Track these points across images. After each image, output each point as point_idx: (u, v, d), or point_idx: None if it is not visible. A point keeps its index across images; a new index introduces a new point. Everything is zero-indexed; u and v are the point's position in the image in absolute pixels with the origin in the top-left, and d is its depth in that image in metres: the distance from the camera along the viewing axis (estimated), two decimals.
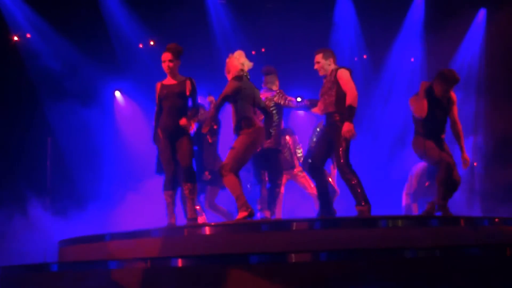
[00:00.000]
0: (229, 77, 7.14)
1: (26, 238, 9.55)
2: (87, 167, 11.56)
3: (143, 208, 9.93)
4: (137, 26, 12.30)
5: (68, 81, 11.90)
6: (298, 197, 9.62)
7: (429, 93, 7.14)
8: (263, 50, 12.99)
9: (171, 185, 7.08)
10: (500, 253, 5.89)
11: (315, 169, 7.12)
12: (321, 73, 7.14)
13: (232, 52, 7.26)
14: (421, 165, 8.76)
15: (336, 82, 6.93)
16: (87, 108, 12.07)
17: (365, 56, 13.23)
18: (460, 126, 7.30)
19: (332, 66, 7.07)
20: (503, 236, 6.52)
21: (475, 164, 11.76)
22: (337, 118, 6.90)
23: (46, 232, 9.24)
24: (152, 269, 5.93)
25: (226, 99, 7.01)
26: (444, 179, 6.95)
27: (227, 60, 7.23)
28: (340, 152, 6.84)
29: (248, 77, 7.16)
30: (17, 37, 11.71)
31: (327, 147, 7.05)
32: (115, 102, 12.75)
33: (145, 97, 11.92)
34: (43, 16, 11.67)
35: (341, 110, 6.87)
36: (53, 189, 10.32)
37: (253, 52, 12.90)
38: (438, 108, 7.15)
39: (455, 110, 7.28)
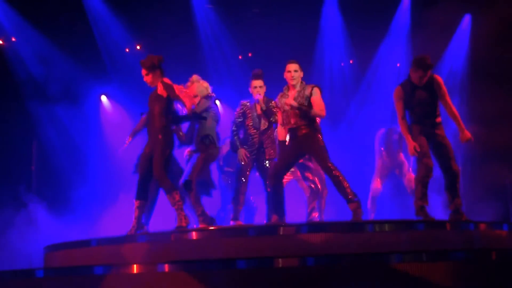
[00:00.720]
0: (198, 99, 7.79)
1: (11, 243, 9.46)
2: (72, 171, 11.50)
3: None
4: (124, 30, 12.27)
5: (54, 85, 11.85)
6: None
7: (408, 83, 7.25)
8: (250, 54, 13.01)
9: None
10: (485, 257, 5.92)
11: (278, 179, 7.22)
12: (294, 83, 7.20)
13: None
14: None
15: (309, 97, 7.11)
16: (73, 112, 12.05)
17: (351, 61, 13.27)
18: (453, 108, 7.30)
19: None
20: (488, 241, 6.55)
21: None
22: (308, 129, 7.12)
23: (31, 237, 9.13)
24: (139, 274, 5.91)
25: (198, 116, 7.55)
26: (422, 177, 7.04)
27: (189, 84, 7.88)
28: (324, 156, 7.03)
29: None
30: (2, 40, 11.64)
31: (294, 160, 7.39)
32: (101, 106, 12.67)
33: (131, 102, 11.91)
34: (28, 20, 11.60)
35: (311, 121, 7.15)
36: (38, 193, 10.20)
37: (240, 57, 12.95)
38: (422, 94, 7.18)
39: (444, 92, 7.25)
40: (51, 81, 11.84)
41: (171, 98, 7.10)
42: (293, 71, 7.19)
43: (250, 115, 7.87)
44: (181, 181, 7.71)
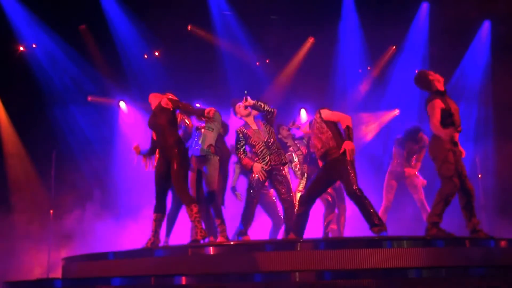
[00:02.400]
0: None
1: (29, 253, 9.52)
2: (93, 179, 11.55)
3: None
4: (142, 37, 12.32)
5: (73, 92, 11.93)
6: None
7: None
8: (267, 61, 13.01)
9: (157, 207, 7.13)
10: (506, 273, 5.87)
11: (308, 204, 7.19)
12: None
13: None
14: None
15: (322, 121, 7.18)
16: (92, 118, 12.13)
17: (369, 68, 13.23)
18: None
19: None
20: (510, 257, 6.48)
21: (479, 176, 11.70)
22: (337, 152, 7.03)
23: (49, 247, 9.16)
24: (155, 286, 5.90)
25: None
26: (447, 195, 6.94)
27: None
28: (351, 179, 6.92)
29: None
30: (23, 47, 11.71)
31: (325, 186, 7.37)
32: (120, 112, 12.72)
33: (149, 107, 11.92)
34: (48, 26, 11.68)
35: (339, 144, 7.06)
36: (58, 203, 10.22)
37: (257, 63, 12.96)
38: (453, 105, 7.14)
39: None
40: (71, 87, 11.92)
41: (178, 110, 7.10)
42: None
43: (249, 133, 7.66)
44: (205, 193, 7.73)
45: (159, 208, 7.07)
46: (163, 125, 7.03)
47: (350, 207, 8.14)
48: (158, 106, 7.11)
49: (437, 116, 6.95)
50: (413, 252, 6.18)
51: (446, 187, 6.92)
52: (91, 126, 12.13)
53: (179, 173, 6.92)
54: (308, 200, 7.16)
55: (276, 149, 7.63)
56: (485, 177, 11.56)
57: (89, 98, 12.16)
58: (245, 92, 7.58)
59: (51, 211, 9.52)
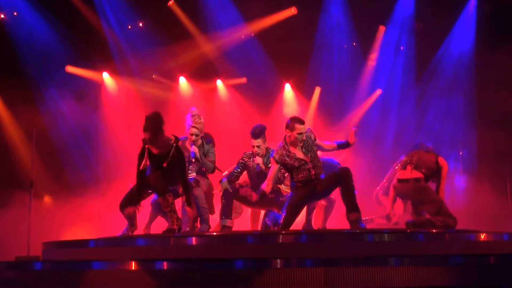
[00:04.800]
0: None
1: (8, 233, 9.42)
2: (76, 154, 11.44)
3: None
4: (126, 7, 12.11)
5: (55, 63, 11.76)
6: None
7: None
8: (253, 35, 12.83)
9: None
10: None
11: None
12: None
13: None
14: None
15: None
16: (75, 90, 11.98)
17: (354, 44, 13.13)
18: None
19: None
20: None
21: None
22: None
23: (30, 227, 9.06)
24: (137, 271, 5.89)
25: None
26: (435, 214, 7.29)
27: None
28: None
29: None
30: (3, 15, 11.47)
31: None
32: (103, 84, 12.56)
33: (134, 79, 11.84)
34: None
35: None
36: (38, 181, 10.09)
37: (242, 37, 12.77)
38: None
39: None
40: (52, 58, 11.73)
41: None
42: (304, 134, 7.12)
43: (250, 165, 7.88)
44: None
45: (135, 200, 7.09)
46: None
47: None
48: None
49: None
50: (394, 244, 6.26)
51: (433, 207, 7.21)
52: (73, 98, 11.96)
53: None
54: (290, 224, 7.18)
55: None
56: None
57: (68, 68, 11.94)
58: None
59: (31, 189, 9.38)
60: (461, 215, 8.28)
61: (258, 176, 7.78)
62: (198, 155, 7.71)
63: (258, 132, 7.73)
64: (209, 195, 8.05)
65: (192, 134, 7.72)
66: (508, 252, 6.41)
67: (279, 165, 7.08)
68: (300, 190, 7.05)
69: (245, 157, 7.92)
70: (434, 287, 5.64)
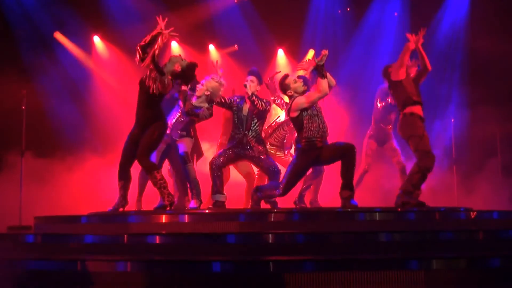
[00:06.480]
0: None
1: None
2: (67, 118, 11.35)
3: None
4: None
5: (45, 28, 11.60)
6: None
7: None
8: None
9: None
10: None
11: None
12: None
13: None
14: None
15: None
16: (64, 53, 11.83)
17: (348, 9, 12.98)
18: None
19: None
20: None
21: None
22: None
23: (21, 195, 9.01)
24: (129, 244, 5.91)
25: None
26: (426, 168, 7.06)
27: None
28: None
29: None
30: None
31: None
32: (93, 48, 12.41)
33: (125, 43, 11.69)
34: None
35: None
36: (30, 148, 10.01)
37: (236, 1, 12.62)
38: None
39: None
40: (42, 23, 11.57)
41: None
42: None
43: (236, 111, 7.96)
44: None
45: (123, 175, 7.10)
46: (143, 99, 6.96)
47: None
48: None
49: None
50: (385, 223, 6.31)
51: (424, 160, 7.03)
52: (64, 62, 11.82)
53: (148, 142, 6.90)
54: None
55: None
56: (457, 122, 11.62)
57: (56, 34, 11.79)
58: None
59: (23, 151, 9.32)
60: None
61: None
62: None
63: (256, 71, 8.05)
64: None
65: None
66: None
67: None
68: (305, 156, 7.05)
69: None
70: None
